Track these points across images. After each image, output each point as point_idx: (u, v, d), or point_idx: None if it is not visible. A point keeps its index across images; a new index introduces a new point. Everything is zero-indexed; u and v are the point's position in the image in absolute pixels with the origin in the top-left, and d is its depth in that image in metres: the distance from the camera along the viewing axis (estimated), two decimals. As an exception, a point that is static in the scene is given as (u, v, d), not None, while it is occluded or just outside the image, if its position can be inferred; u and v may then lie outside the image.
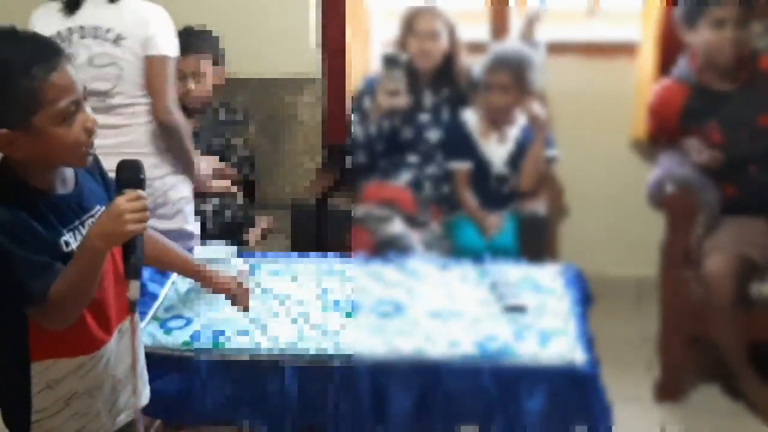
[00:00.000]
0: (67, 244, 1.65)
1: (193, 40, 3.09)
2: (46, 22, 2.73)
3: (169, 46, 2.77)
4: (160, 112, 2.74)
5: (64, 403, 1.72)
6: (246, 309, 2.16)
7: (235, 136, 3.32)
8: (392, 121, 3.23)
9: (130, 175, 1.65)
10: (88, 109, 1.65)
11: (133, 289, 1.67)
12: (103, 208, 1.71)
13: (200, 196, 3.06)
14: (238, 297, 2.14)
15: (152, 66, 2.73)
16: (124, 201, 1.60)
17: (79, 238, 1.66)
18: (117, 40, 2.72)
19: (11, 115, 1.58)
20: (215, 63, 3.17)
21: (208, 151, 3.19)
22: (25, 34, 1.64)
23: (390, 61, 3.19)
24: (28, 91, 1.57)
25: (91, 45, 2.72)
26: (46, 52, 1.60)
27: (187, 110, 3.07)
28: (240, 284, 2.15)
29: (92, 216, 1.71)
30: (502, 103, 3.13)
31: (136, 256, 1.65)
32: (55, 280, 1.59)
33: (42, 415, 1.71)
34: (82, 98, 1.64)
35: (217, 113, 3.30)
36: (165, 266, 2.20)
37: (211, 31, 3.20)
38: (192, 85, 3.10)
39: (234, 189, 3.19)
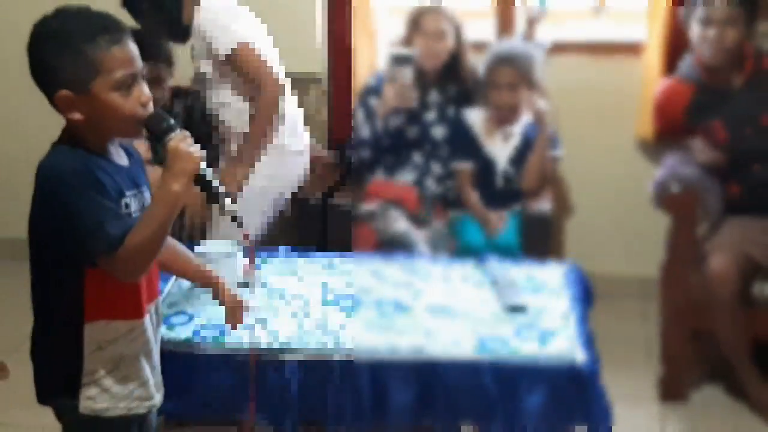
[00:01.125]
0: (127, 205, 1.75)
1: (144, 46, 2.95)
2: None
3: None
4: None
5: (113, 365, 1.78)
6: (234, 328, 2.13)
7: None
8: (397, 120, 3.24)
9: (164, 123, 1.74)
10: (144, 86, 1.74)
11: (229, 207, 1.79)
12: (148, 189, 1.83)
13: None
14: (235, 313, 2.12)
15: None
16: (178, 142, 1.71)
17: (132, 206, 1.76)
18: None
19: (74, 78, 1.68)
20: (166, 64, 3.01)
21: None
22: (96, 11, 1.74)
23: (399, 60, 3.20)
24: (90, 58, 1.67)
25: None
26: (111, 27, 1.71)
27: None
28: (242, 303, 2.13)
29: (141, 193, 1.81)
30: (511, 101, 3.14)
31: (211, 179, 1.76)
32: (131, 229, 1.67)
33: (92, 377, 1.77)
34: (139, 74, 1.73)
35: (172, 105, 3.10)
36: (176, 272, 2.20)
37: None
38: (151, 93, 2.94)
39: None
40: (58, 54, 1.68)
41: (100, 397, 1.78)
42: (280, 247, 2.96)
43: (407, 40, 3.25)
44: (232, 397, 2.16)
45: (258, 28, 3.00)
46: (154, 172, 2.85)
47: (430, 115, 3.27)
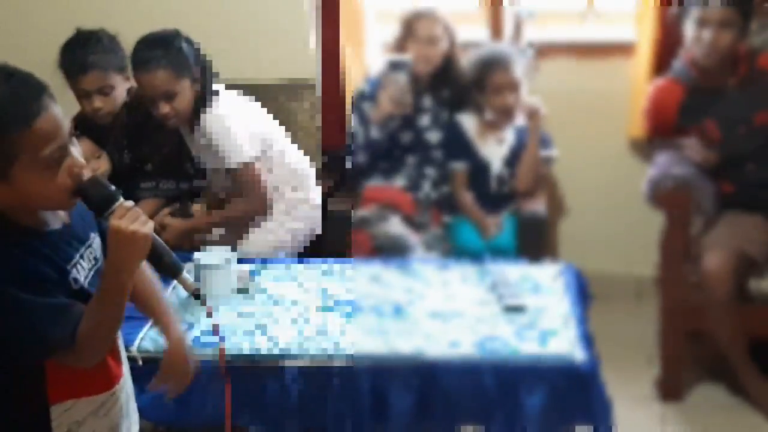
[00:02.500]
0: (75, 281, 1.57)
1: (88, 57, 2.80)
2: None
3: None
4: None
5: None
6: (170, 396, 1.91)
7: (146, 144, 2.93)
8: (392, 125, 3.24)
9: (102, 193, 1.54)
10: (74, 151, 1.51)
11: (189, 281, 1.63)
12: (96, 234, 1.65)
13: None
14: (173, 379, 1.88)
15: None
16: (118, 221, 1.50)
17: (82, 272, 1.58)
18: None
19: None
20: (121, 71, 2.86)
21: (130, 168, 2.93)
22: (2, 71, 1.47)
23: (395, 66, 3.20)
24: (4, 144, 1.42)
25: None
26: (25, 97, 1.44)
27: (99, 128, 2.89)
28: (186, 372, 1.88)
29: (89, 246, 1.62)
30: (510, 103, 3.14)
31: (165, 255, 1.59)
32: (80, 321, 1.51)
33: None
34: (68, 141, 1.49)
35: (129, 118, 2.91)
36: (139, 306, 1.87)
37: (114, 38, 2.89)
38: (99, 103, 2.82)
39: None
40: None
41: None
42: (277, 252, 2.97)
43: (400, 45, 3.26)
44: (232, 405, 2.15)
45: (263, 118, 2.94)
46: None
47: (424, 120, 3.27)
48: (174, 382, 1.88)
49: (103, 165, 2.89)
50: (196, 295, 1.67)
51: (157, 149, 2.94)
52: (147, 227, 1.52)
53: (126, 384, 1.74)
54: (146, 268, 1.81)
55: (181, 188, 2.97)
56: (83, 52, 2.82)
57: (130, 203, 1.53)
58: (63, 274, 1.54)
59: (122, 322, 1.57)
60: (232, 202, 2.89)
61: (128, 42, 3.06)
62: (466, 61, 3.25)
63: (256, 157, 2.82)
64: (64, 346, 1.51)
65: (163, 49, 2.70)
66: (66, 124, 1.49)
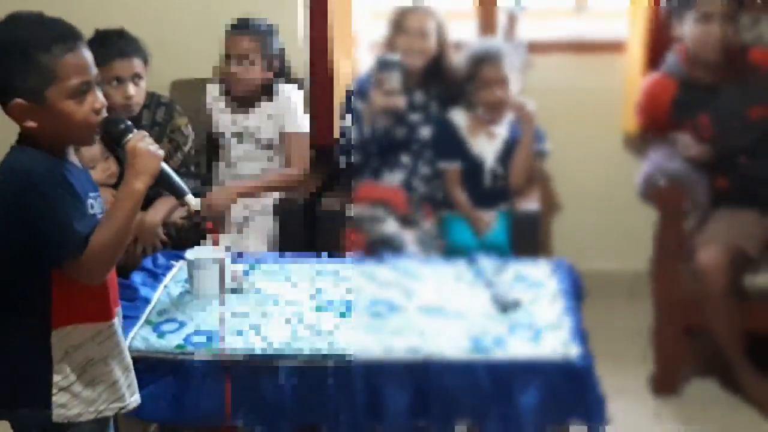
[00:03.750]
0: (92, 206, 1.76)
1: (128, 44, 2.98)
2: None
3: None
4: None
5: (81, 369, 1.77)
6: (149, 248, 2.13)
7: (161, 139, 3.05)
8: (384, 121, 3.23)
9: (121, 125, 1.78)
10: (98, 92, 1.76)
11: (193, 203, 1.86)
12: (99, 195, 1.82)
13: None
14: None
15: None
16: (137, 142, 1.75)
17: (94, 209, 1.77)
18: None
19: (27, 86, 1.68)
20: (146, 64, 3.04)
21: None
22: (50, 18, 1.74)
23: (386, 64, 3.19)
24: (44, 66, 1.68)
25: None
26: (66, 35, 1.72)
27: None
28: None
29: (98, 197, 1.81)
30: (500, 98, 3.13)
31: (172, 177, 1.83)
32: (95, 229, 1.69)
33: (61, 384, 1.75)
34: (93, 81, 1.74)
35: (139, 120, 3.04)
36: None
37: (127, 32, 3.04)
38: (132, 90, 2.95)
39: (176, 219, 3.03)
40: (11, 63, 1.68)
41: (72, 403, 1.77)
42: (269, 252, 2.96)
43: (390, 41, 3.25)
44: (223, 403, 2.14)
45: None
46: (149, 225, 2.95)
47: (416, 116, 3.26)
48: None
49: (112, 166, 2.96)
50: (196, 220, 1.91)
51: (174, 150, 3.08)
52: (159, 151, 1.78)
53: (119, 326, 1.85)
54: None
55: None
56: (119, 40, 2.97)
57: (143, 133, 1.79)
58: (85, 197, 1.75)
59: (129, 238, 1.76)
60: (274, 172, 3.26)
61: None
62: (459, 56, 3.24)
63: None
64: (81, 245, 1.67)
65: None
66: (94, 69, 1.75)
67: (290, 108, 3.28)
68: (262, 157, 3.30)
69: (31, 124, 1.71)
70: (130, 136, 1.77)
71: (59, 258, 1.69)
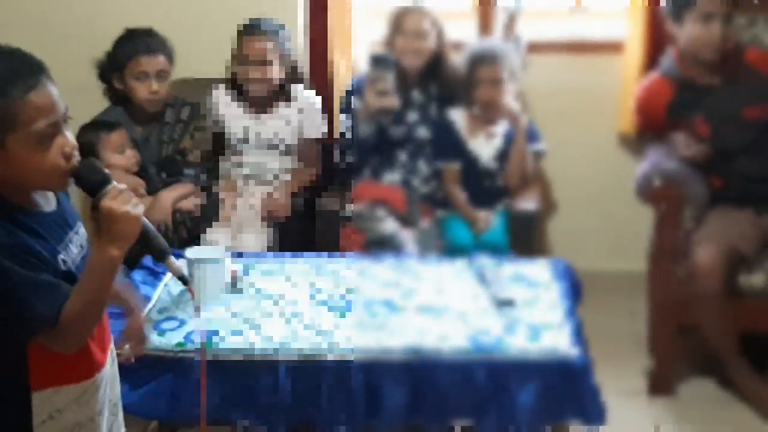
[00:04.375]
0: (64, 262, 1.59)
1: (157, 41, 3.08)
2: None
3: None
4: None
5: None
6: (128, 359, 1.93)
7: (183, 137, 3.19)
8: (381, 121, 3.24)
9: (96, 175, 1.58)
10: (68, 133, 1.56)
11: (175, 265, 1.67)
12: (82, 224, 1.67)
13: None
14: (132, 339, 1.93)
15: None
16: (110, 201, 1.54)
17: (70, 255, 1.60)
18: None
19: None
20: (172, 62, 3.15)
21: (159, 160, 3.15)
22: (4, 49, 1.54)
23: (379, 62, 3.20)
24: (2, 112, 1.48)
25: None
26: (23, 70, 1.51)
27: (141, 115, 3.11)
28: (139, 338, 1.94)
29: (77, 233, 1.65)
30: (495, 97, 3.15)
31: (154, 238, 1.63)
32: (66, 300, 1.53)
33: None
34: (61, 120, 1.54)
35: (163, 116, 3.17)
36: None
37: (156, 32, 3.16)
38: (156, 86, 3.06)
39: (189, 205, 3.11)
40: None
41: None
42: (268, 252, 2.97)
43: (389, 41, 3.26)
44: (223, 400, 2.15)
45: None
46: (161, 202, 3.03)
47: (414, 115, 3.27)
48: (132, 345, 1.93)
49: (136, 154, 3.06)
50: (182, 279, 1.70)
51: (195, 147, 3.19)
52: (138, 209, 1.56)
53: (108, 371, 1.73)
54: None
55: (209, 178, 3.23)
56: (147, 37, 3.05)
57: (122, 186, 1.57)
58: (53, 254, 1.57)
59: (106, 305, 1.60)
60: (297, 171, 3.29)
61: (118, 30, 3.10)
62: (460, 55, 3.25)
63: None
64: (49, 324, 1.52)
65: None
66: (61, 105, 1.53)
67: (312, 114, 3.29)
68: (276, 161, 3.28)
69: None
70: (107, 188, 1.56)
71: (26, 338, 1.54)
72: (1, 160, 1.51)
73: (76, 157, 1.57)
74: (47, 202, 1.63)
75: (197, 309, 2.14)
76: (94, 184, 1.57)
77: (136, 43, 3.05)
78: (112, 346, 1.77)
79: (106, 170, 1.60)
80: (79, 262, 1.64)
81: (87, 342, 1.63)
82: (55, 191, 1.63)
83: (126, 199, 1.56)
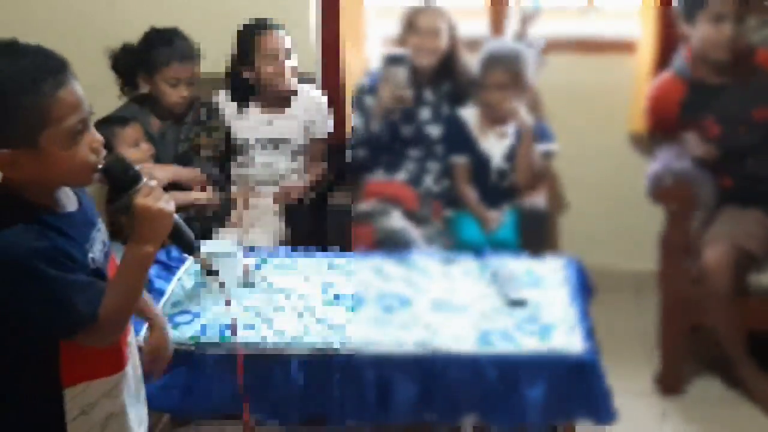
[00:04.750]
0: (93, 260, 1.62)
1: (189, 48, 3.10)
2: None
3: None
4: None
5: (100, 428, 1.67)
6: (150, 373, 1.95)
7: (201, 136, 3.22)
8: (393, 118, 3.25)
9: (127, 172, 1.61)
10: (93, 129, 1.59)
11: (205, 258, 1.80)
12: (101, 221, 1.70)
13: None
14: (153, 361, 1.97)
15: None
16: (143, 198, 1.58)
17: (96, 253, 1.63)
18: None
19: (16, 133, 1.49)
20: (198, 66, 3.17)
21: (174, 155, 3.18)
22: (29, 47, 1.54)
23: (393, 60, 3.22)
24: (34, 109, 1.49)
25: None
26: (53, 68, 1.52)
27: (161, 113, 3.13)
28: (162, 356, 1.98)
29: (99, 230, 1.67)
30: (499, 101, 3.16)
31: (185, 232, 1.70)
32: (102, 297, 1.56)
33: None
34: (88, 117, 1.57)
35: (182, 115, 3.20)
36: None
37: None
38: (186, 92, 3.10)
39: (201, 197, 3.12)
40: None
41: None
42: (281, 247, 2.99)
43: (402, 39, 3.27)
44: (235, 394, 2.17)
45: None
46: (162, 169, 3.01)
47: (426, 113, 3.28)
48: (156, 361, 1.98)
49: (151, 148, 3.07)
50: (210, 272, 1.79)
51: (211, 145, 3.22)
52: (170, 206, 1.61)
53: (134, 365, 1.77)
54: None
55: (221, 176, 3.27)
56: (181, 42, 3.08)
57: (153, 182, 1.61)
58: (83, 253, 1.59)
59: (139, 298, 1.66)
60: (310, 166, 3.34)
61: (134, 30, 3.12)
62: (474, 54, 3.26)
63: None
64: (90, 322, 1.55)
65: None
66: (86, 101, 1.56)
67: (320, 113, 3.34)
68: (286, 161, 3.31)
69: (20, 174, 1.52)
70: (139, 185, 1.59)
71: (67, 337, 1.57)
72: (34, 159, 1.52)
73: (103, 152, 1.60)
74: (70, 201, 1.64)
75: (228, 302, 2.23)
76: (125, 180, 1.60)
77: (172, 50, 3.05)
78: (132, 333, 1.80)
79: (137, 167, 1.63)
80: (102, 260, 1.66)
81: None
82: (84, 185, 1.66)
83: (158, 196, 1.59)
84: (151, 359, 1.96)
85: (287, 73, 3.23)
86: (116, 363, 1.69)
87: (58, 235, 1.55)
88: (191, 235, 1.72)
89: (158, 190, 1.61)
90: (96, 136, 1.58)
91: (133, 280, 1.60)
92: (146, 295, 1.95)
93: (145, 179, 1.61)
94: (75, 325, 1.55)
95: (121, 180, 1.61)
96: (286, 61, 3.22)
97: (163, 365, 2.00)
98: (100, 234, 1.68)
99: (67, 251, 1.55)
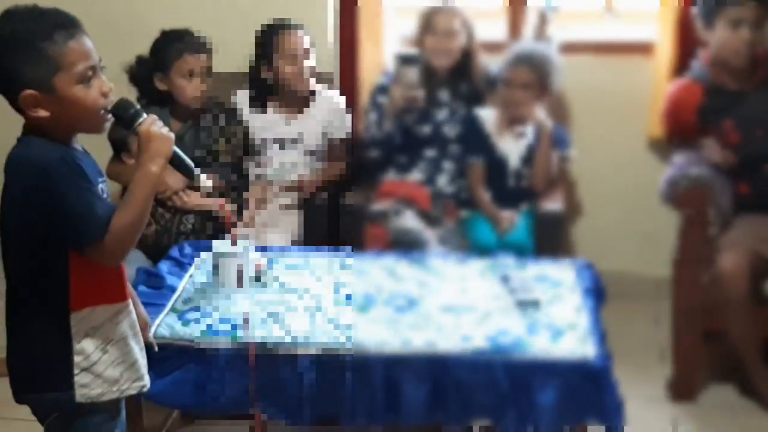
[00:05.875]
0: (102, 191, 1.80)
1: (201, 41, 3.12)
2: None
3: None
4: None
5: (101, 351, 1.79)
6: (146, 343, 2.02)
7: (219, 141, 3.19)
8: (409, 118, 3.25)
9: (131, 110, 1.79)
10: (103, 77, 1.78)
11: (204, 180, 1.94)
12: (105, 181, 1.85)
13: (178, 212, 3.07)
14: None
15: None
16: (149, 125, 1.78)
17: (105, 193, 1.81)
18: None
19: (35, 76, 1.70)
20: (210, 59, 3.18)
21: (192, 159, 3.17)
22: (47, 8, 1.76)
23: (404, 61, 3.21)
24: (49, 55, 1.70)
25: None
26: (65, 23, 1.74)
27: (179, 112, 3.13)
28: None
29: (105, 182, 1.84)
30: (522, 100, 3.15)
31: (184, 159, 1.88)
32: (112, 214, 1.72)
33: (83, 365, 1.78)
34: (98, 65, 1.76)
35: (199, 118, 3.19)
36: None
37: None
38: (201, 83, 3.09)
39: (215, 206, 3.07)
40: (16, 56, 1.70)
41: (94, 383, 1.79)
42: (293, 246, 2.99)
43: (419, 40, 3.27)
44: (245, 392, 2.18)
45: None
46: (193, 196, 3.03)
47: (442, 114, 3.28)
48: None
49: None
50: (209, 195, 1.97)
51: (230, 150, 3.21)
52: (169, 133, 1.81)
53: (131, 310, 1.88)
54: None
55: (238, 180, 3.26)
56: (191, 36, 3.11)
57: (153, 116, 1.81)
58: (95, 181, 1.78)
59: (147, 219, 1.78)
60: (330, 165, 3.34)
61: (153, 32, 3.13)
62: (494, 55, 3.25)
63: None
64: (101, 233, 1.70)
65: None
66: (96, 54, 1.76)
67: (338, 114, 3.33)
68: (303, 162, 3.30)
69: (42, 113, 1.72)
70: (142, 119, 1.79)
71: (82, 244, 1.72)
72: (52, 101, 1.72)
73: (112, 97, 1.79)
74: (83, 151, 1.84)
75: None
76: (131, 116, 1.79)
77: (183, 43, 3.08)
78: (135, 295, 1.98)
79: (138, 105, 1.80)
80: (110, 204, 1.81)
81: (122, 267, 1.82)
82: (96, 131, 1.83)
83: (159, 124, 1.80)
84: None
85: (305, 74, 3.23)
86: (120, 293, 1.83)
87: (79, 160, 1.75)
88: (191, 162, 1.90)
89: (158, 121, 1.80)
90: (105, 82, 1.77)
91: (141, 199, 1.75)
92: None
93: (145, 115, 1.79)
94: (93, 229, 1.70)
95: (125, 117, 1.79)
96: (305, 61, 3.22)
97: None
98: (105, 187, 1.84)
99: (84, 172, 1.74)
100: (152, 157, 1.76)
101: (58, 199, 1.69)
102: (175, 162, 1.85)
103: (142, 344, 1.92)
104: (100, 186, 1.79)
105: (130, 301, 1.86)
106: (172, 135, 1.81)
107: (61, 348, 1.77)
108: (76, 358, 1.77)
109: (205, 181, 1.95)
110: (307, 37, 3.24)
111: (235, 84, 3.36)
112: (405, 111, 3.22)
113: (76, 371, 1.77)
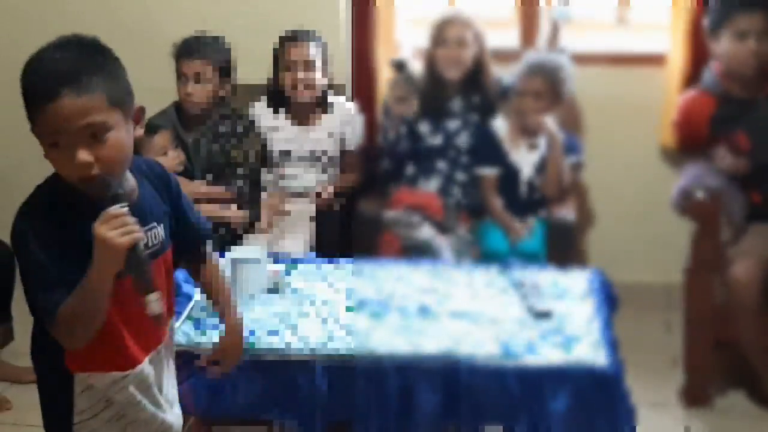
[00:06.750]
0: (155, 236, 1.69)
1: (198, 45, 3.17)
2: None
3: None
4: None
5: (105, 403, 1.71)
6: (216, 375, 2.01)
7: (236, 149, 3.24)
8: (419, 127, 3.28)
9: (108, 193, 1.56)
10: (80, 150, 1.55)
11: (151, 304, 1.57)
12: (160, 225, 1.72)
13: None
14: (223, 361, 1.99)
15: None
16: (98, 226, 1.52)
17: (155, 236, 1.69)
18: None
19: (32, 125, 1.59)
20: (222, 73, 3.20)
21: (208, 166, 3.21)
22: (46, 62, 1.59)
23: (397, 67, 3.24)
24: (34, 119, 1.57)
25: None
26: (42, 90, 1.55)
27: (187, 116, 3.18)
28: (226, 361, 1.99)
29: (149, 228, 1.68)
30: (534, 110, 3.17)
31: (143, 272, 1.56)
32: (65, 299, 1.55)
33: (84, 416, 1.70)
34: (75, 133, 1.54)
35: (217, 125, 3.23)
36: (205, 290, 2.03)
37: (222, 38, 3.25)
38: (190, 88, 3.12)
39: (227, 213, 3.14)
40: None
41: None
42: (308, 253, 3.02)
43: (430, 49, 3.29)
44: (261, 397, 2.20)
45: None
46: (189, 185, 3.04)
47: (454, 123, 3.30)
48: (224, 362, 1.98)
49: (180, 155, 3.15)
50: (156, 318, 1.61)
51: (245, 159, 3.24)
52: (124, 239, 1.52)
53: (149, 371, 1.75)
54: (215, 259, 2.00)
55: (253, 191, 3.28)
56: (193, 40, 3.17)
57: (121, 211, 1.53)
58: (75, 258, 1.56)
59: (103, 317, 1.58)
60: (344, 174, 3.38)
61: (160, 39, 3.18)
62: (510, 65, 3.27)
63: None
64: (46, 315, 1.57)
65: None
66: (79, 118, 1.54)
67: (353, 124, 3.37)
68: (317, 172, 3.34)
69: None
70: (105, 212, 1.52)
71: (37, 319, 1.63)
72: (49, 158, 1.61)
73: (95, 170, 1.56)
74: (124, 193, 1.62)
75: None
76: (107, 199, 1.55)
77: (180, 47, 3.17)
78: (164, 346, 1.80)
79: (120, 190, 1.57)
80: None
81: (122, 335, 1.66)
82: (87, 192, 1.60)
83: (115, 225, 1.52)
84: (219, 354, 1.98)
85: (302, 84, 3.24)
86: (121, 363, 1.69)
87: (84, 221, 1.54)
88: (150, 278, 1.57)
89: (120, 220, 1.52)
90: (79, 156, 1.54)
91: (87, 298, 1.54)
92: (227, 298, 1.97)
93: (118, 205, 1.54)
94: (35, 311, 1.60)
95: (101, 197, 1.56)
96: (304, 72, 3.23)
97: (225, 369, 2.00)
98: (150, 232, 1.68)
99: (79, 239, 1.54)
100: (98, 264, 1.52)
101: (21, 267, 1.60)
102: (131, 266, 1.54)
103: (168, 393, 1.81)
104: (150, 230, 1.65)
105: (141, 367, 1.71)
106: (129, 239, 1.51)
107: (61, 399, 1.70)
108: (76, 411, 1.70)
109: (154, 299, 1.57)
110: (314, 48, 3.26)
111: (255, 95, 3.39)
112: (403, 117, 3.26)
113: (75, 420, 1.70)
